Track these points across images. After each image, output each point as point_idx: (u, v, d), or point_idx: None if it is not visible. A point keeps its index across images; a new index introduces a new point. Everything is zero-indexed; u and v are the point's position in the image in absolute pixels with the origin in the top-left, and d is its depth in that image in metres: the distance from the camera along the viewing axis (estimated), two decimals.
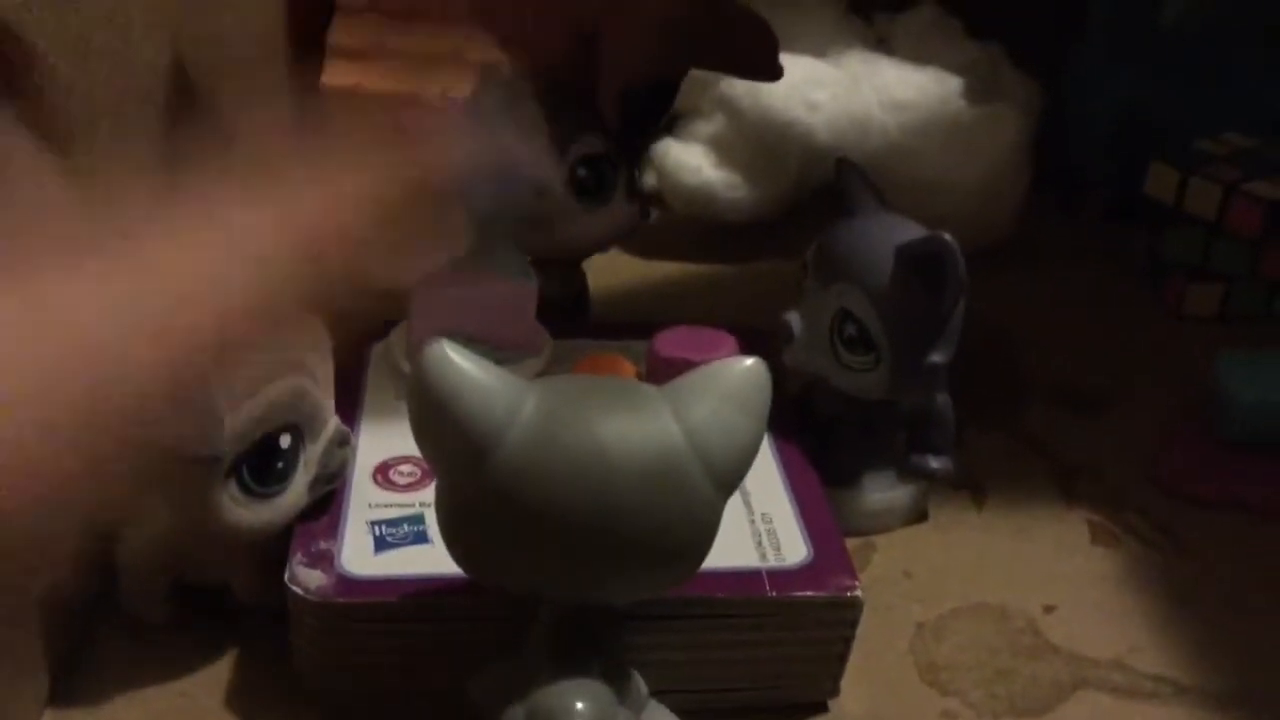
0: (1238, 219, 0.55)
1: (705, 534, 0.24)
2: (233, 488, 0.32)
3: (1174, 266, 0.57)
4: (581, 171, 0.45)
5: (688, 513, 0.23)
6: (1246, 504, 0.45)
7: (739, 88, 0.55)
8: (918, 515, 0.44)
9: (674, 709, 0.32)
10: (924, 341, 0.39)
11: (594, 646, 0.28)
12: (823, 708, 0.36)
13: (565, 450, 0.23)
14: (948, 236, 0.37)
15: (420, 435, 0.25)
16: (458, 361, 0.24)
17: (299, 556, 0.33)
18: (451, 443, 0.24)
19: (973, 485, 0.46)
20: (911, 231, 0.39)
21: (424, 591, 0.33)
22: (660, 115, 0.49)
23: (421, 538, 0.34)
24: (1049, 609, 0.41)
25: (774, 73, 0.47)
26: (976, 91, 0.58)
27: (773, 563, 0.35)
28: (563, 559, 0.24)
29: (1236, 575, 0.42)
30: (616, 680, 0.28)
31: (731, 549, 0.35)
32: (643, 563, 0.21)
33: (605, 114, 0.44)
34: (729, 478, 0.24)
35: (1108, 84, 0.62)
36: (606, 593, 0.24)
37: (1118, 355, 0.55)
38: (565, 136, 0.44)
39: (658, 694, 0.32)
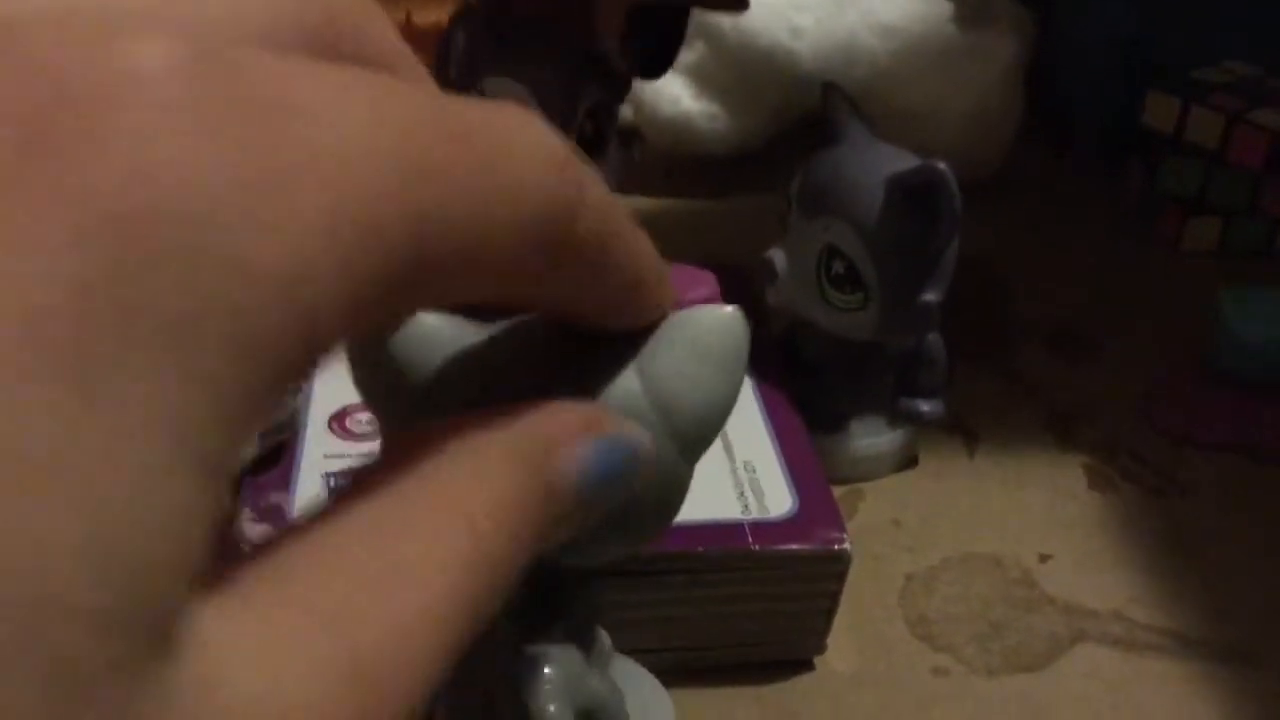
0: (1240, 149, 0.52)
1: (668, 497, 0.21)
2: None
3: (1171, 200, 0.55)
4: (586, 126, 0.42)
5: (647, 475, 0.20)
6: (1248, 446, 0.44)
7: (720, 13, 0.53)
8: (907, 461, 0.42)
9: (653, 668, 0.30)
10: (915, 279, 0.37)
11: (556, 607, 0.26)
12: (808, 665, 0.34)
13: None
14: (942, 165, 0.35)
15: (357, 380, 0.23)
16: None
17: (247, 512, 0.31)
18: (385, 384, 0.22)
19: (964, 430, 0.44)
20: (902, 161, 0.37)
21: None
22: (674, 45, 0.45)
23: None
24: (1044, 558, 0.39)
25: (740, 3, 0.43)
26: (966, 17, 0.55)
27: (756, 514, 0.33)
28: None
29: (1239, 520, 0.41)
30: (582, 639, 0.27)
31: (712, 500, 0.33)
32: (598, 525, 0.19)
33: (608, 42, 0.40)
34: (694, 439, 0.21)
35: (1101, 12, 0.59)
36: (561, 553, 0.22)
37: (1113, 292, 0.53)
38: (573, 89, 0.40)
39: (635, 653, 0.30)
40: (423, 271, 0.13)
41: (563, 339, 0.20)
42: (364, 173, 0.12)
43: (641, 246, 0.18)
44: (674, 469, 0.21)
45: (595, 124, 0.42)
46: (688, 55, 0.56)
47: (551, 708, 0.24)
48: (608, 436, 0.17)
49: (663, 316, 0.20)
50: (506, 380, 0.20)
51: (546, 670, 0.24)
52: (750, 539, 0.32)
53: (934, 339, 0.40)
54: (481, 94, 0.37)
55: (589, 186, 0.16)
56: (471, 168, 0.13)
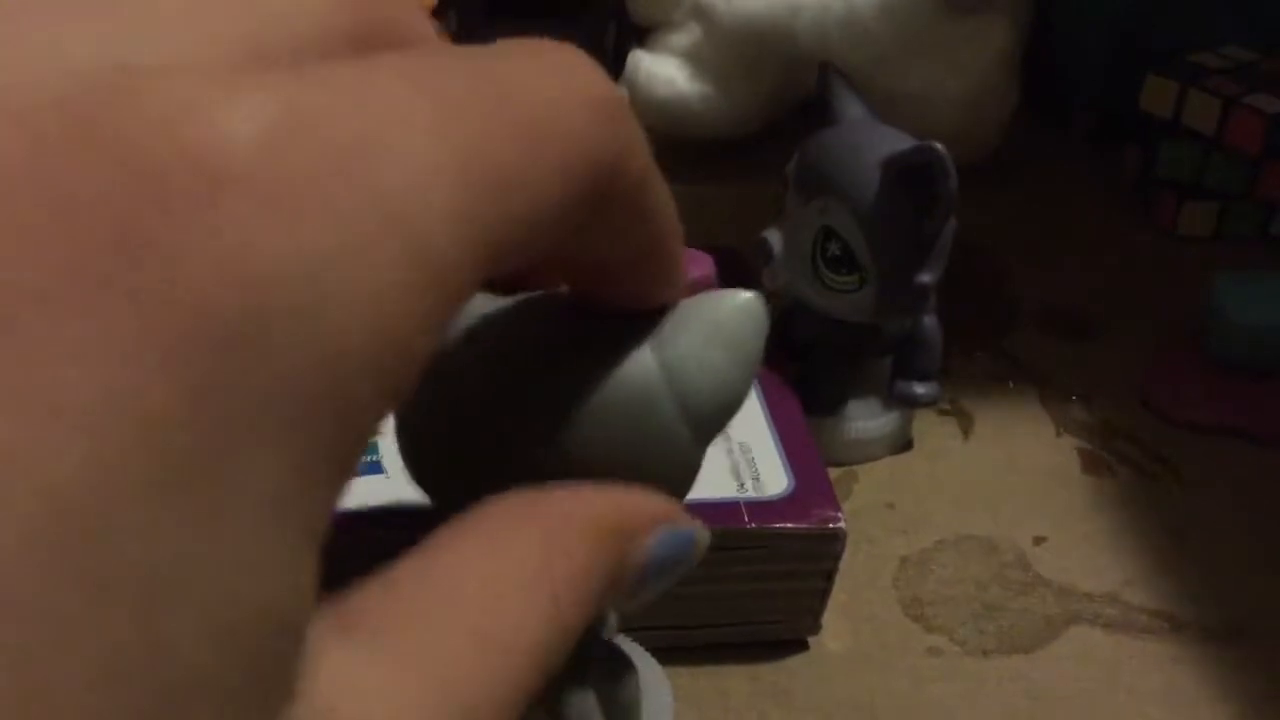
0: (1238, 133, 0.52)
1: (679, 482, 0.21)
2: None
3: (1167, 184, 0.55)
4: None
5: (658, 459, 0.20)
6: (1242, 430, 0.44)
7: None
8: (902, 444, 0.42)
9: (648, 647, 0.30)
10: (912, 260, 0.37)
11: None
12: (803, 645, 0.34)
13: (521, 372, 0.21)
14: (939, 146, 0.34)
15: None
16: None
17: None
18: None
19: (959, 413, 0.44)
20: (899, 142, 0.37)
21: (378, 524, 0.30)
22: None
23: (375, 468, 0.32)
24: (1039, 541, 0.39)
25: None
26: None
27: (751, 493, 0.33)
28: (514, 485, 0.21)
29: (1233, 504, 0.41)
30: None
31: (707, 479, 0.32)
32: None
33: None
34: (708, 424, 0.21)
35: None
36: None
37: (1109, 276, 0.53)
38: None
39: (630, 631, 0.30)
40: (487, 269, 0.13)
41: (579, 315, 0.20)
42: (436, 208, 0.12)
43: (671, 205, 0.18)
44: (686, 453, 0.21)
45: None
46: (683, 39, 0.55)
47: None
48: (677, 529, 0.18)
49: (676, 297, 0.20)
50: (524, 353, 0.20)
51: None
52: (746, 518, 0.32)
53: (930, 321, 0.40)
54: None
55: (633, 131, 0.15)
56: (531, 145, 0.14)
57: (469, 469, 0.22)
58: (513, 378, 0.21)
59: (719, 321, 0.21)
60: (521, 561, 0.15)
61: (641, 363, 0.20)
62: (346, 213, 0.11)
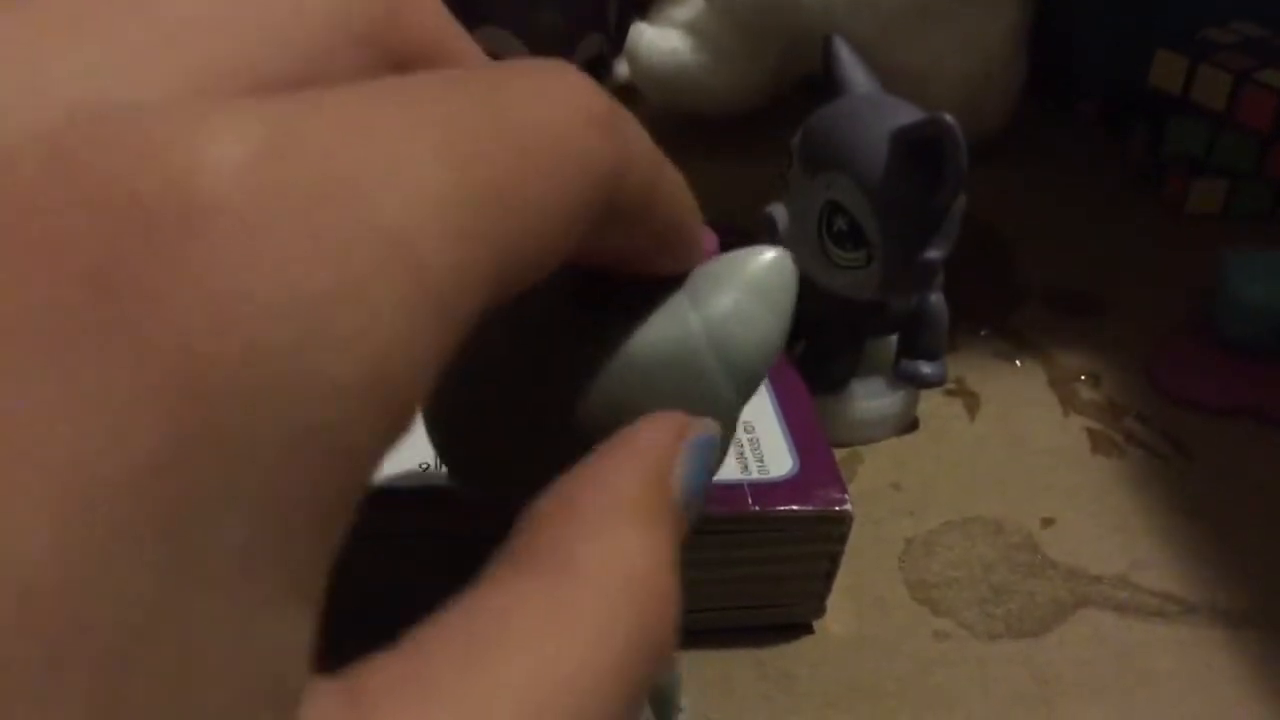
0: (1248, 110, 0.51)
1: (725, 439, 0.21)
2: None
3: (1175, 162, 0.54)
4: None
5: (702, 414, 0.20)
6: (1252, 409, 0.43)
7: None
8: (908, 424, 0.42)
9: None
10: (919, 236, 0.36)
11: None
12: (808, 628, 0.34)
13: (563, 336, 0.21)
14: (949, 118, 0.34)
15: None
16: None
17: None
18: None
19: (965, 393, 0.44)
20: (907, 114, 0.36)
21: (374, 506, 0.30)
22: None
23: None
24: (1047, 523, 0.38)
25: None
26: None
27: (756, 475, 0.32)
28: (550, 460, 0.21)
29: (1245, 485, 0.40)
30: None
31: None
32: None
33: None
34: (749, 378, 0.21)
35: None
36: None
37: (1116, 255, 0.52)
38: (571, 41, 0.40)
39: None
40: (494, 294, 0.13)
41: (603, 281, 0.20)
42: (438, 235, 0.12)
43: (681, 190, 0.18)
44: (730, 410, 0.21)
45: (595, 76, 0.41)
46: (685, 11, 0.54)
47: None
48: (694, 444, 0.17)
49: (698, 263, 0.20)
50: (559, 324, 0.20)
51: None
52: (750, 500, 0.31)
53: (936, 299, 0.39)
54: None
55: (633, 138, 0.15)
56: (531, 164, 0.13)
57: (512, 451, 0.21)
58: (551, 350, 0.20)
59: (755, 277, 0.21)
60: (587, 570, 0.14)
61: (681, 323, 0.20)
62: (341, 243, 0.11)
